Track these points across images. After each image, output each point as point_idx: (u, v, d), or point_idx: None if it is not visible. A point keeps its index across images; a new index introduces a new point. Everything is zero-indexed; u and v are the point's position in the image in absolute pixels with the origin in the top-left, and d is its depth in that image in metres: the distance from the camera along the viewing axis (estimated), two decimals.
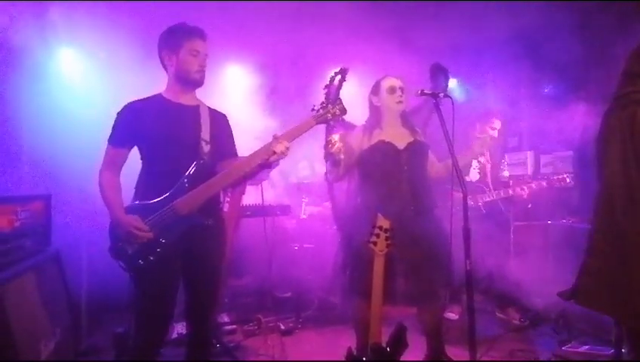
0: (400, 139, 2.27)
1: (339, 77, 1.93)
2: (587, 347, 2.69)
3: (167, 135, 1.83)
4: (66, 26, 3.31)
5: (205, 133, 1.88)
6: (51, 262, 2.46)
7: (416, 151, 2.26)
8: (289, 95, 4.43)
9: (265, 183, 3.05)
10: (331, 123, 1.92)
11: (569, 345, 2.75)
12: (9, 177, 2.89)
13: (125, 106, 1.87)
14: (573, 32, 3.71)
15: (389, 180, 2.19)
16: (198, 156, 1.84)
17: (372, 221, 2.01)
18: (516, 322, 3.18)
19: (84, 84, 3.60)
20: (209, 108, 1.99)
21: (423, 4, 3.69)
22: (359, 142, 2.28)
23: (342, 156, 2.03)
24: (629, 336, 1.43)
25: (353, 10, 3.72)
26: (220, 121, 2.01)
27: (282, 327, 3.16)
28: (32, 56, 3.18)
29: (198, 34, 1.88)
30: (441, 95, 2.06)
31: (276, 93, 4.47)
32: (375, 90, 2.35)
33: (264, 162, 1.82)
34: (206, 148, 1.87)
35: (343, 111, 1.91)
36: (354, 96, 2.51)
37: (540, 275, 3.08)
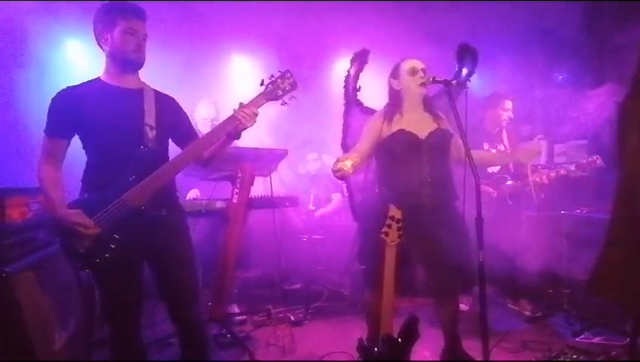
0: (422, 126, 2.15)
1: (356, 62, 1.89)
2: (601, 337, 2.66)
3: (107, 121, 1.69)
4: (72, 18, 3.30)
5: (150, 118, 1.74)
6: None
7: (438, 141, 2.16)
8: (299, 84, 4.39)
9: (273, 175, 3.03)
10: (282, 99, 1.85)
11: (583, 336, 2.71)
12: (20, 170, 2.91)
13: (59, 93, 1.72)
14: (586, 18, 3.62)
15: (409, 171, 2.11)
16: (142, 143, 1.71)
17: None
18: (528, 313, 3.14)
19: (91, 76, 3.59)
20: (155, 91, 1.85)
21: None
22: (378, 128, 2.16)
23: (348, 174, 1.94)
24: None
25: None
26: (167, 104, 1.87)
27: (292, 318, 3.18)
28: (40, 49, 3.19)
29: (136, 13, 1.74)
30: (454, 82, 2.00)
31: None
32: (395, 73, 2.22)
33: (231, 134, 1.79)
34: (151, 133, 1.73)
35: (294, 85, 1.85)
36: (368, 85, 2.45)
37: (553, 266, 3.04)
